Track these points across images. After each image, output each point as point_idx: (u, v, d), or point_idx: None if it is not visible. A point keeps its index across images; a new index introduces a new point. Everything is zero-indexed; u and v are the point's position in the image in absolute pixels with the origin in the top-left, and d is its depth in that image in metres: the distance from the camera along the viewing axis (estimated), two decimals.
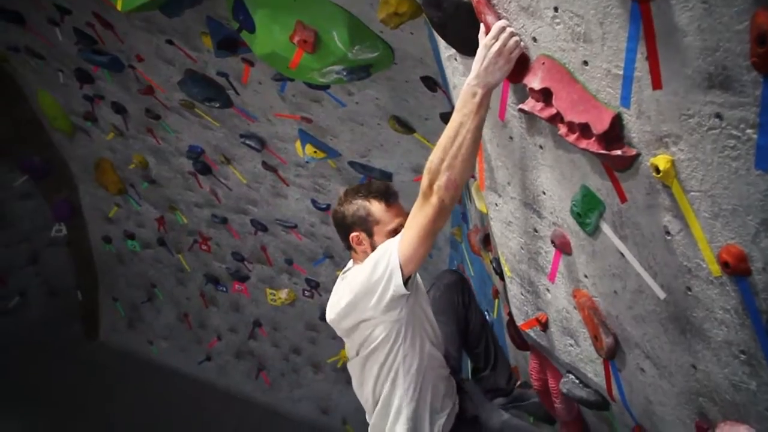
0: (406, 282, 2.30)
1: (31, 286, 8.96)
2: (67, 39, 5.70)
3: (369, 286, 2.35)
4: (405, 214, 2.42)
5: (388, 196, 2.53)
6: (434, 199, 2.11)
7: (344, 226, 2.54)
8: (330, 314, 2.58)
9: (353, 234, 2.51)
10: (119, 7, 3.81)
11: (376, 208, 2.50)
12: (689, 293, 1.79)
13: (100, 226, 8.76)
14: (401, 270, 2.27)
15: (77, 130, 7.47)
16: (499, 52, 1.89)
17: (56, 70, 6.51)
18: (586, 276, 2.21)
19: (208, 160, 6.57)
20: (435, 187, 2.09)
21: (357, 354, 2.58)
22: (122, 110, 6.55)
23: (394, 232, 2.43)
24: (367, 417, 2.67)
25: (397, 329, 2.44)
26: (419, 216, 2.19)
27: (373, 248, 2.45)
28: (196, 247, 8.00)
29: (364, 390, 2.62)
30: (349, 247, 2.58)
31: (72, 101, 6.91)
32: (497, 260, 2.88)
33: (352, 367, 2.66)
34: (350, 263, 2.66)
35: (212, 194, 7.07)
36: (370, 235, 2.49)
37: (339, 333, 2.64)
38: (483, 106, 2.00)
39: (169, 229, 8.08)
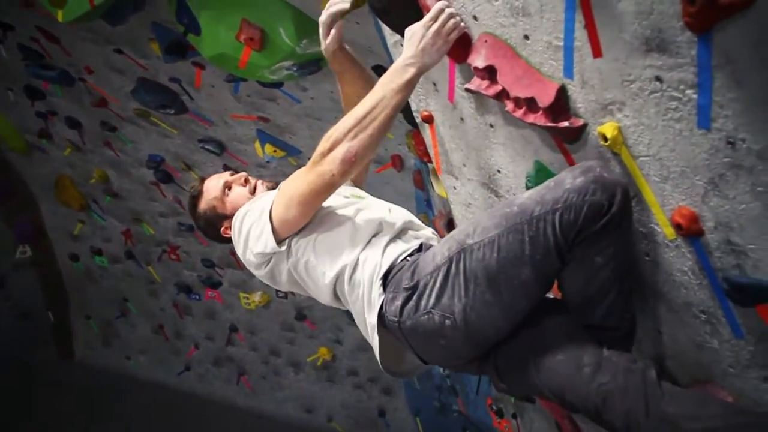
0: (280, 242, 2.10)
1: (0, 312, 8.80)
2: (12, 56, 5.58)
3: (241, 242, 2.17)
4: (218, 176, 2.41)
5: (194, 193, 2.43)
6: (324, 169, 1.91)
7: (215, 236, 2.40)
8: None
9: (222, 231, 2.35)
10: (60, 18, 3.74)
11: (202, 205, 2.39)
12: (647, 258, 1.81)
13: (66, 245, 8.63)
14: (274, 233, 2.06)
15: (33, 148, 7.34)
16: (438, 33, 1.86)
17: (5, 89, 6.37)
18: None
19: (168, 168, 6.50)
20: (330, 156, 1.89)
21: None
22: (77, 125, 6.43)
23: (226, 188, 2.35)
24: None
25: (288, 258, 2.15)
26: (301, 181, 1.98)
27: (236, 208, 2.29)
28: (165, 257, 7.91)
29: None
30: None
31: (25, 119, 6.78)
32: None
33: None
34: None
35: (176, 202, 6.99)
36: (225, 215, 2.33)
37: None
38: (410, 85, 1.89)
39: (137, 241, 7.98)
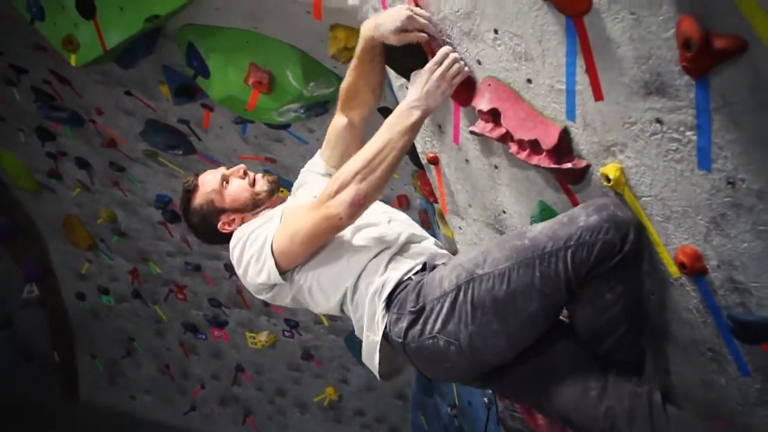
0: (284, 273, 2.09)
1: (6, 351, 8.78)
2: (25, 98, 5.68)
3: (243, 266, 2.15)
4: (214, 170, 2.34)
5: (189, 187, 2.33)
6: (332, 212, 1.91)
7: (211, 235, 2.32)
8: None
9: (220, 226, 2.28)
10: (73, 63, 3.82)
11: (198, 200, 2.30)
12: (652, 297, 1.82)
13: (72, 284, 8.64)
14: (277, 265, 2.05)
15: (42, 188, 7.41)
16: (442, 76, 1.91)
17: (17, 130, 6.47)
18: None
19: (176, 208, 6.54)
20: (338, 199, 1.90)
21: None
22: (86, 165, 6.51)
23: (224, 181, 2.29)
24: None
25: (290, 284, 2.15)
26: (307, 220, 1.97)
27: (237, 209, 2.27)
28: (172, 296, 7.91)
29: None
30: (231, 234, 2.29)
31: (35, 159, 6.86)
32: None
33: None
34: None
35: (183, 242, 7.02)
36: (223, 210, 2.27)
37: None
38: (416, 128, 1.93)
39: (143, 280, 7.99)
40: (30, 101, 5.69)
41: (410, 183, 3.94)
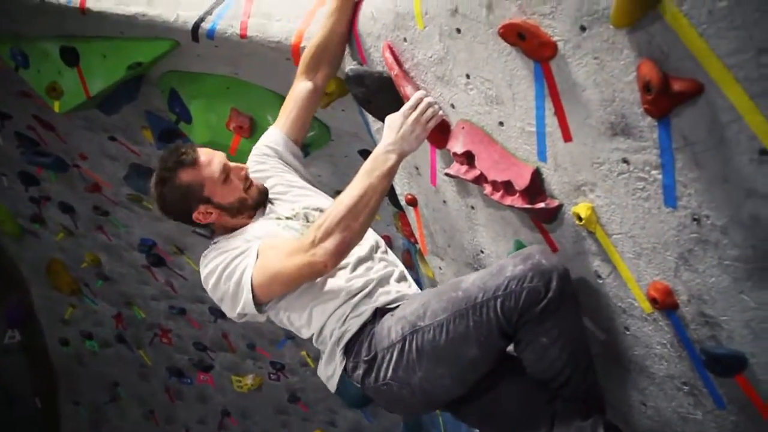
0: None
1: None
2: (8, 143, 5.69)
3: (219, 296, 2.13)
4: (217, 153, 2.19)
5: (186, 158, 2.14)
6: (316, 260, 1.94)
7: (180, 215, 2.21)
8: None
9: (195, 214, 2.17)
10: (56, 109, 3.85)
11: (188, 175, 2.13)
12: (627, 333, 1.85)
13: (56, 329, 8.55)
14: (253, 294, 2.04)
15: (25, 232, 7.38)
16: (417, 120, 1.95)
17: (0, 175, 6.47)
18: None
19: (160, 251, 6.52)
20: (322, 248, 1.93)
21: None
22: (70, 209, 6.50)
23: (224, 175, 2.16)
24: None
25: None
26: (288, 263, 1.99)
27: (222, 207, 2.17)
28: (157, 340, 7.84)
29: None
30: (201, 226, 2.27)
31: (18, 204, 6.84)
32: None
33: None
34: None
35: (168, 286, 6.99)
36: (208, 200, 2.16)
37: None
38: (393, 172, 1.98)
39: (128, 325, 7.92)
40: (13, 147, 5.71)
41: (392, 223, 3.97)
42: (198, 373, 7.88)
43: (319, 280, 2.10)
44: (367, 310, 2.09)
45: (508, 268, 1.82)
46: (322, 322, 2.12)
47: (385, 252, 2.32)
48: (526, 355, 1.90)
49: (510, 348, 1.98)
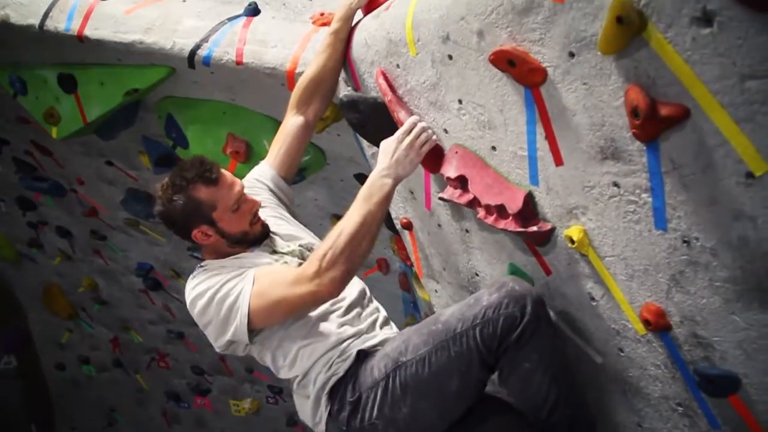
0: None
1: None
2: (6, 168, 5.72)
3: (206, 320, 2.07)
4: (237, 181, 2.16)
5: (210, 176, 2.10)
6: (321, 289, 1.94)
7: (180, 227, 2.14)
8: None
9: (195, 231, 2.12)
10: (54, 135, 3.88)
11: (204, 193, 2.09)
12: (622, 354, 1.86)
13: (52, 354, 8.52)
14: (249, 320, 2.01)
15: (23, 257, 7.38)
16: (411, 145, 1.98)
17: None
18: None
19: (158, 275, 6.51)
20: (327, 278, 1.92)
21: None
22: (67, 234, 6.51)
23: (237, 206, 2.12)
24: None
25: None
26: (290, 292, 1.98)
27: (223, 234, 2.13)
28: (154, 364, 7.81)
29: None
30: (195, 244, 2.22)
31: (16, 229, 6.85)
32: None
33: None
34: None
35: (165, 309, 6.98)
36: (213, 223, 2.11)
37: None
38: (390, 196, 1.99)
39: (125, 349, 7.89)
40: (12, 172, 5.73)
41: (389, 246, 3.99)
42: (195, 397, 7.84)
43: (310, 321, 2.10)
44: (353, 354, 2.08)
45: (483, 298, 1.88)
46: (307, 366, 2.09)
47: (371, 299, 2.33)
48: (511, 384, 1.93)
49: (492, 389, 2.03)
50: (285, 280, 2.01)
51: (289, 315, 2.06)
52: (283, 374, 2.15)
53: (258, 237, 2.22)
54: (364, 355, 2.09)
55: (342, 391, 2.05)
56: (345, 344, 2.09)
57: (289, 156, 2.44)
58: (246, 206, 2.15)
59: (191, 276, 2.15)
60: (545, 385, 1.88)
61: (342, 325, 2.13)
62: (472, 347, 1.87)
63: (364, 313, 2.21)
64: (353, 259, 1.95)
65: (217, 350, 2.15)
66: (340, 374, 2.06)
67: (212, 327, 2.07)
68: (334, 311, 2.14)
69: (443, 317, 1.95)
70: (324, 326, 2.11)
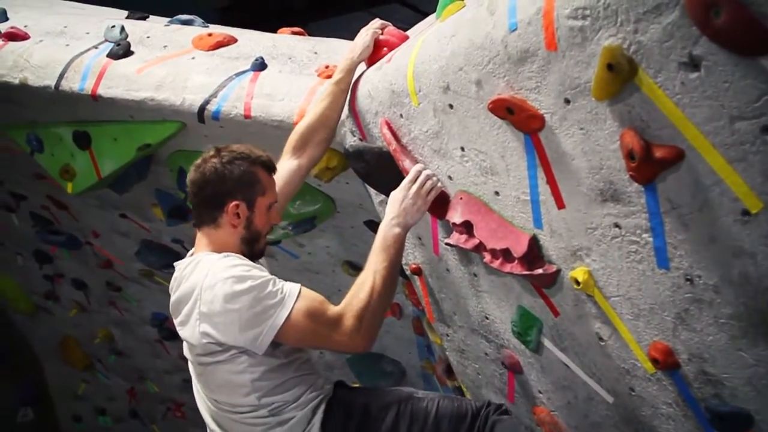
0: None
1: None
2: (24, 223, 5.81)
3: (236, 306, 1.94)
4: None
5: (272, 166, 2.14)
6: (358, 343, 1.97)
7: (223, 190, 2.05)
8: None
9: (233, 203, 2.04)
10: (69, 190, 3.96)
11: (264, 177, 2.09)
12: (633, 393, 1.86)
13: (69, 405, 8.50)
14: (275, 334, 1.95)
15: (39, 309, 7.43)
16: (417, 193, 2.03)
17: (14, 254, 6.56)
18: (540, 392, 2.26)
19: (172, 325, 6.53)
20: (361, 337, 1.95)
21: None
22: (83, 286, 6.56)
23: (271, 207, 2.13)
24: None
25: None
26: (329, 331, 1.96)
27: (249, 224, 2.09)
28: (170, 414, 7.78)
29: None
30: (206, 221, 2.11)
31: (32, 282, 6.91)
32: (459, 389, 2.91)
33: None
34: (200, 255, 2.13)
35: (181, 359, 6.97)
36: (252, 207, 2.07)
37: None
38: (402, 245, 2.08)
39: (141, 399, 7.87)
40: (29, 226, 5.82)
41: (401, 291, 4.00)
42: None
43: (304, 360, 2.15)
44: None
45: None
46: (293, 400, 2.09)
47: None
48: None
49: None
50: (326, 318, 1.97)
51: (313, 346, 2.14)
52: (248, 400, 2.07)
53: (262, 248, 2.19)
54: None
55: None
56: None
57: (281, 199, 2.34)
58: (274, 214, 2.16)
59: (209, 256, 2.06)
60: None
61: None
62: None
63: None
64: (380, 313, 2.02)
65: (203, 340, 2.03)
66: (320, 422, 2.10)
67: (235, 316, 1.93)
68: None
69: None
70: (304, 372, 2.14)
